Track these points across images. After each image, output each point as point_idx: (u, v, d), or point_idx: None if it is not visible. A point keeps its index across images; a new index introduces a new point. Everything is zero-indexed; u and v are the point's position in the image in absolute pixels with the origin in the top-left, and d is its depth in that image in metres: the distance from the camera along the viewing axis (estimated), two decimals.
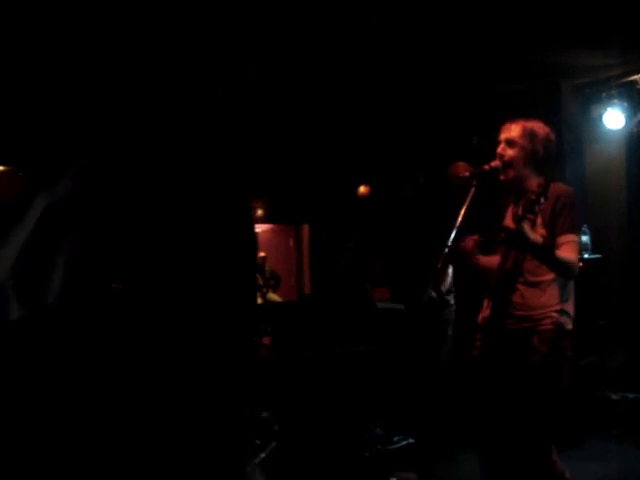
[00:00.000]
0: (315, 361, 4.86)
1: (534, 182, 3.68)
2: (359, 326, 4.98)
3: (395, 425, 6.19)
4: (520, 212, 3.41)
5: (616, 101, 7.61)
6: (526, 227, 3.35)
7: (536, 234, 3.43)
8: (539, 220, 3.51)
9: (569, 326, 3.66)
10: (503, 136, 3.79)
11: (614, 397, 7.51)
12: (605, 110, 7.74)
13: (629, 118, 7.66)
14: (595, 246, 7.18)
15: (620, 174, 8.21)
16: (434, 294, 5.24)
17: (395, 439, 6.15)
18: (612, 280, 7.48)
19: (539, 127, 3.77)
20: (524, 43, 6.39)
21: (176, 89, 5.95)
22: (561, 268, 3.58)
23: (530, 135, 3.73)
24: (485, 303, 3.78)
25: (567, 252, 3.54)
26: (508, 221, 3.56)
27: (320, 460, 4.76)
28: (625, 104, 7.57)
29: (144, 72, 5.80)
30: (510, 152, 3.74)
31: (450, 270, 5.55)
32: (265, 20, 5.67)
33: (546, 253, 3.47)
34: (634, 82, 7.40)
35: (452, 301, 5.70)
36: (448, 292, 5.65)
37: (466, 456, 5.91)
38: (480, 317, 3.80)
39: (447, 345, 5.63)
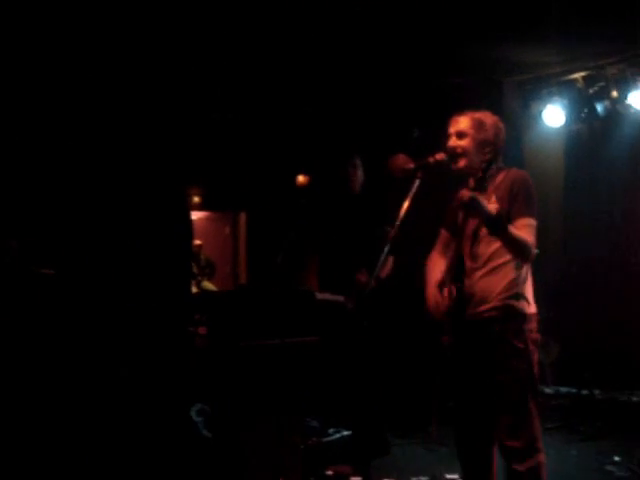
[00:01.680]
0: (251, 352, 4.79)
1: (489, 171, 3.69)
2: (297, 317, 4.92)
3: (331, 417, 6.15)
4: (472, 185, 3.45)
5: (556, 98, 7.70)
6: (480, 197, 3.37)
7: (490, 205, 3.43)
8: (494, 201, 3.53)
9: (530, 309, 3.66)
10: (452, 129, 3.78)
11: (547, 391, 7.63)
12: (545, 107, 7.82)
13: (569, 116, 7.76)
14: None
15: (558, 171, 8.34)
16: (374, 283, 5.19)
17: (330, 431, 6.12)
18: (548, 274, 7.58)
19: (486, 116, 3.79)
20: (465, 38, 6.42)
21: (112, 76, 5.82)
22: (517, 246, 3.53)
23: (479, 124, 3.74)
24: (445, 293, 3.75)
25: (524, 234, 3.52)
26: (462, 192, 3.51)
27: (254, 451, 4.69)
28: (565, 102, 7.67)
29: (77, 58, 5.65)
30: (461, 143, 3.73)
31: (391, 259, 5.52)
32: (208, 7, 5.58)
33: (501, 225, 3.39)
34: (574, 80, 7.49)
35: (386, 291, 5.66)
36: (387, 281, 5.62)
37: (401, 448, 5.95)
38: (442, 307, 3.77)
39: (387, 335, 5.61)
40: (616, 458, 5.74)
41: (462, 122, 3.75)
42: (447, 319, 3.68)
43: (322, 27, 6.09)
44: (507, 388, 3.58)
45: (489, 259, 3.63)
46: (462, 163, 3.72)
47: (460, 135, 3.74)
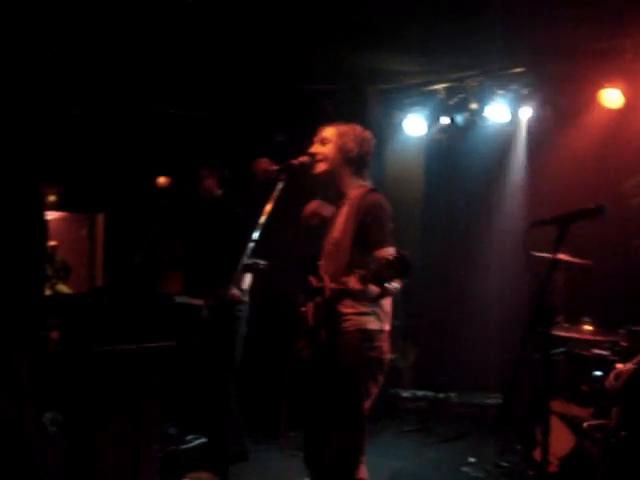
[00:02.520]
0: (106, 357, 4.62)
1: (352, 184, 3.75)
2: (154, 321, 4.80)
3: (189, 424, 6.04)
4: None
5: (418, 108, 7.86)
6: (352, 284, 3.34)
7: (358, 285, 3.35)
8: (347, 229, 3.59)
9: (373, 325, 3.62)
10: (318, 137, 3.83)
11: (404, 394, 7.78)
12: (407, 116, 7.97)
13: (429, 125, 7.94)
14: None
15: (418, 179, 8.52)
16: (236, 290, 5.12)
17: (188, 438, 6.01)
18: (407, 282, 7.69)
19: (353, 127, 3.84)
20: (329, 44, 6.43)
21: None
22: (384, 297, 3.56)
23: (343, 134, 3.78)
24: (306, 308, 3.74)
25: None
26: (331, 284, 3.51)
27: (110, 461, 4.53)
28: (426, 112, 7.83)
29: None
30: (322, 149, 3.78)
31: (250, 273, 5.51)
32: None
33: (367, 298, 3.46)
34: (436, 91, 7.66)
35: (246, 298, 5.63)
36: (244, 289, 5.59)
37: (261, 454, 5.90)
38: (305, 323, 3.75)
39: (240, 342, 5.57)
40: (471, 459, 5.91)
41: (327, 130, 3.80)
42: (305, 330, 3.69)
43: (188, 31, 5.98)
44: (331, 400, 3.60)
45: (343, 276, 3.56)
46: (321, 168, 3.76)
47: (322, 141, 3.79)
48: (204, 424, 5.76)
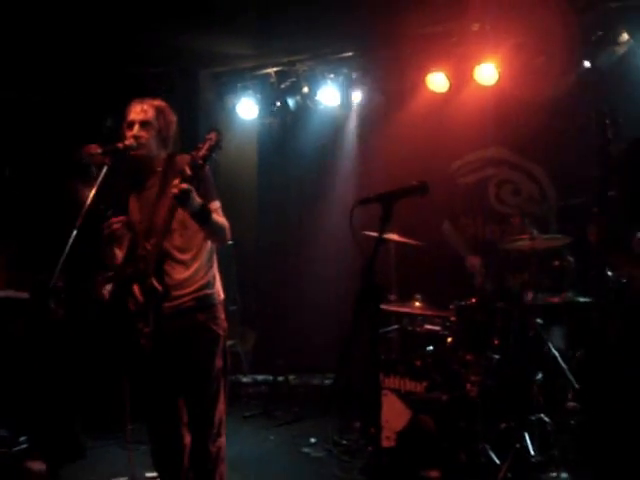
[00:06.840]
0: None
1: (161, 157, 3.78)
2: None
3: (21, 424, 5.78)
4: (188, 172, 3.34)
5: (250, 92, 7.84)
6: (192, 188, 3.35)
7: (197, 199, 3.43)
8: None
9: (220, 298, 3.82)
10: (137, 118, 3.75)
11: (245, 380, 7.78)
12: (239, 100, 7.93)
13: (262, 109, 7.95)
14: None
15: (252, 163, 8.55)
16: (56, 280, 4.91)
17: (21, 439, 5.75)
18: (244, 266, 7.70)
19: (165, 106, 3.84)
20: (159, 26, 6.30)
21: None
22: (220, 233, 3.67)
23: (162, 115, 3.79)
24: (135, 289, 3.63)
25: (220, 218, 3.64)
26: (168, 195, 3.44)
27: None
28: (259, 95, 7.83)
29: None
30: (145, 134, 3.72)
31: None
32: None
33: (209, 216, 3.49)
34: (267, 75, 7.66)
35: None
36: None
37: (98, 450, 5.72)
38: (132, 304, 3.65)
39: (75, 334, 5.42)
40: (312, 440, 5.99)
41: (147, 112, 3.76)
42: (143, 312, 3.60)
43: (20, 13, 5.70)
44: (206, 372, 3.70)
45: (183, 250, 3.68)
46: (143, 152, 3.71)
47: (145, 125, 3.73)
48: (32, 424, 5.54)
